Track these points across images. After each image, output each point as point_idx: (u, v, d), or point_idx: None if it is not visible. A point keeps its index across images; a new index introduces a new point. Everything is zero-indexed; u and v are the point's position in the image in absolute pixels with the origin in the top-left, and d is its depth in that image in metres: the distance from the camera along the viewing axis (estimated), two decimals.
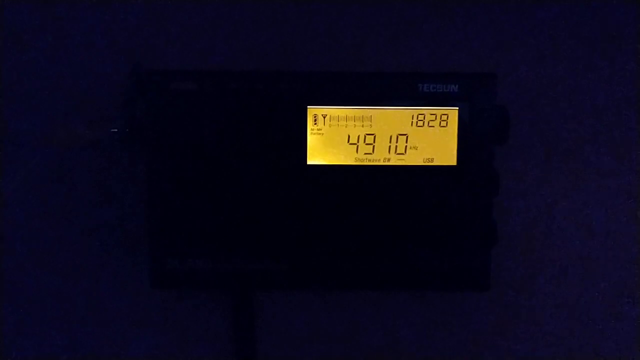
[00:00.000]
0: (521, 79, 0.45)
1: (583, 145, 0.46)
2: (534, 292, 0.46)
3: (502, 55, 0.45)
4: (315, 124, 0.40)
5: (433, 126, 0.40)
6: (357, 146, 0.40)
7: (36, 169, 0.45)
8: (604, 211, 0.46)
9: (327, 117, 0.40)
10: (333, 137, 0.40)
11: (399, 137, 0.40)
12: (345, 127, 0.40)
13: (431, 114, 0.40)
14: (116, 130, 0.40)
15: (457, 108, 0.40)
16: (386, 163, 0.40)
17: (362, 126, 0.40)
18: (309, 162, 0.40)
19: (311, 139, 0.40)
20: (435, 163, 0.40)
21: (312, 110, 0.40)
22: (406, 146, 0.40)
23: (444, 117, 0.40)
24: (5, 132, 0.45)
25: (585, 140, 0.46)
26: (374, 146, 0.40)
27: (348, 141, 0.40)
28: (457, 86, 0.40)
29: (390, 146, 0.40)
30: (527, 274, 0.46)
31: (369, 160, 0.40)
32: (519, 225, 0.46)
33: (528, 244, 0.46)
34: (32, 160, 0.45)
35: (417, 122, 0.40)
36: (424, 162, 0.40)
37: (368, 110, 0.40)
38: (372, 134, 0.40)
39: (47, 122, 0.45)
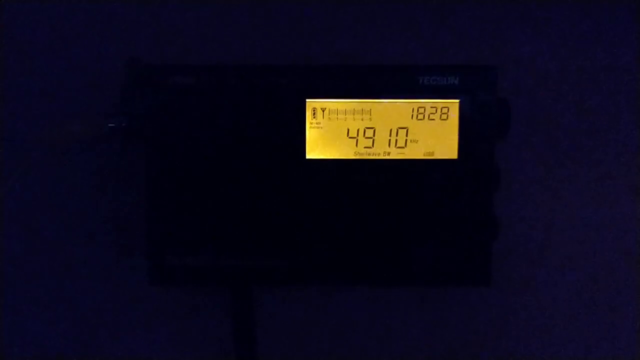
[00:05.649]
0: (522, 72, 0.45)
1: (585, 139, 0.45)
2: (535, 287, 0.46)
3: (503, 47, 0.45)
4: (314, 117, 0.40)
5: (433, 119, 0.40)
6: (357, 140, 0.40)
7: (35, 166, 0.44)
8: (605, 207, 0.46)
9: (327, 111, 0.40)
10: (332, 130, 0.40)
11: (399, 130, 0.40)
12: (345, 120, 0.40)
13: (432, 107, 0.40)
14: (113, 125, 0.40)
15: (458, 100, 0.39)
16: (386, 157, 0.40)
17: (362, 119, 0.40)
18: (308, 156, 0.40)
19: (310, 133, 0.40)
20: (435, 157, 0.40)
21: (311, 104, 0.40)
22: (406, 139, 0.40)
23: (445, 110, 0.39)
24: (4, 130, 0.45)
25: (587, 134, 0.45)
26: (373, 140, 0.40)
27: (347, 135, 0.40)
28: (457, 78, 0.39)
29: (390, 140, 0.40)
30: (528, 268, 0.46)
31: (369, 154, 0.40)
32: (520, 220, 0.46)
33: (529, 238, 0.46)
34: (31, 158, 0.44)
35: (417, 115, 0.40)
36: (424, 155, 0.40)
37: (368, 103, 0.39)
38: (372, 128, 0.40)
39: (45, 117, 0.44)
